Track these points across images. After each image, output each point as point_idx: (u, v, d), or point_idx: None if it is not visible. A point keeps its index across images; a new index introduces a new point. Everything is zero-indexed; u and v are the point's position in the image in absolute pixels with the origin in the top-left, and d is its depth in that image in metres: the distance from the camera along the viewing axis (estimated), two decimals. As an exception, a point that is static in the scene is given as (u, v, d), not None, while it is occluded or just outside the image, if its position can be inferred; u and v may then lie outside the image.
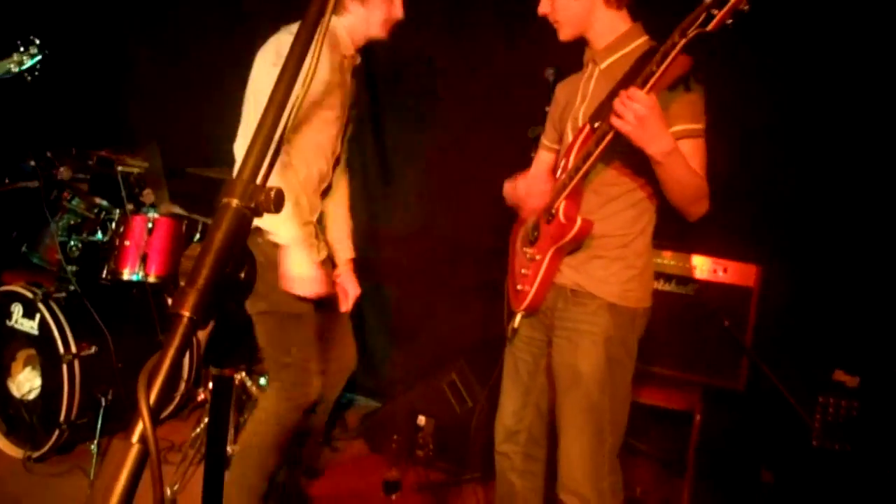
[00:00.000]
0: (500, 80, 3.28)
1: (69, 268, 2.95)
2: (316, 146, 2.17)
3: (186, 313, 0.76)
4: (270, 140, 0.90)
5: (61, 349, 2.71)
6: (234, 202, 0.84)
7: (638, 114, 1.55)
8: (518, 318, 1.98)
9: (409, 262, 3.61)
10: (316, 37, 0.95)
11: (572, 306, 1.85)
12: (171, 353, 0.74)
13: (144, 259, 2.98)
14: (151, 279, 2.99)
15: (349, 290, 2.43)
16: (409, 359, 3.59)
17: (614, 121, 1.60)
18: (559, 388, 1.88)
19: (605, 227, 1.82)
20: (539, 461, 2.09)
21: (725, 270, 2.67)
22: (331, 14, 0.97)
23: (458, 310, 3.45)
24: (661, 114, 1.58)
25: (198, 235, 3.16)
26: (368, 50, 2.30)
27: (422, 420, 2.92)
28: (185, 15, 3.96)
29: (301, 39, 0.93)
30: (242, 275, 0.86)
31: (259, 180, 0.87)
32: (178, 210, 3.21)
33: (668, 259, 2.71)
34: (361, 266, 3.75)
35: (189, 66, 3.90)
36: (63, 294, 2.90)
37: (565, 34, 1.86)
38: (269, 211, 0.85)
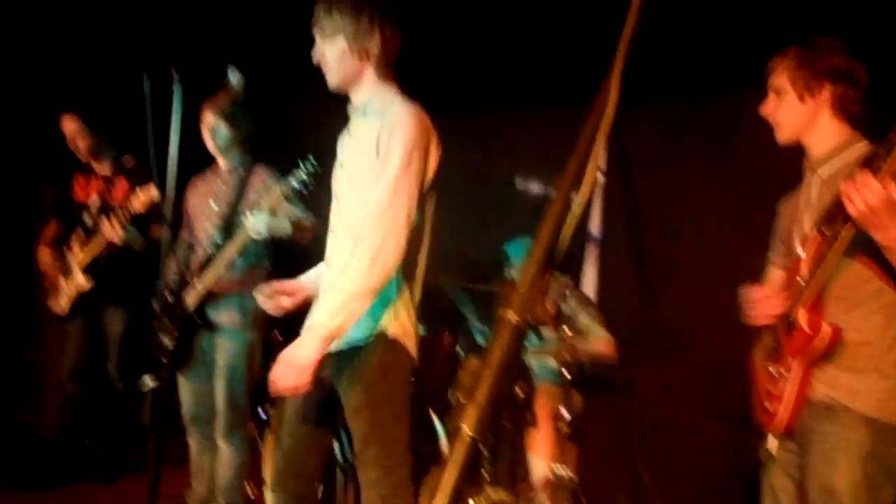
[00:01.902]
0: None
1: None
2: None
3: (468, 430, 0.74)
4: (550, 250, 0.88)
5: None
6: (513, 316, 0.83)
7: (868, 202, 1.48)
8: (772, 441, 1.83)
9: (674, 380, 3.40)
10: (595, 142, 0.93)
11: (825, 421, 1.72)
12: (452, 470, 0.72)
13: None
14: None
15: None
16: (670, 480, 3.32)
17: (847, 203, 1.53)
18: None
19: (852, 336, 1.69)
20: None
21: None
22: (611, 120, 0.96)
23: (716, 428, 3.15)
24: (893, 206, 1.48)
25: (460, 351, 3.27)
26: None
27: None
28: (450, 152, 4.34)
29: (581, 146, 0.93)
30: (518, 390, 0.82)
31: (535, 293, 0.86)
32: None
33: None
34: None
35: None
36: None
37: (784, 137, 1.88)
38: (546, 324, 0.82)
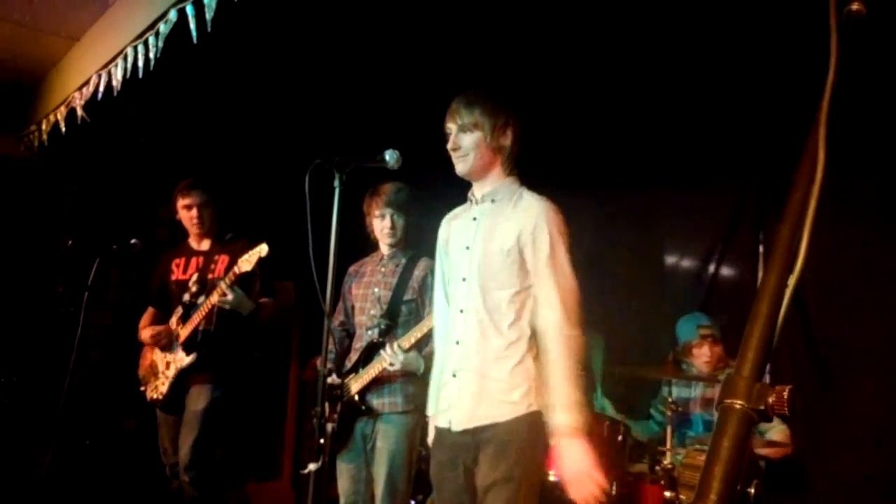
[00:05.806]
0: None
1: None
2: None
3: (703, 533, 0.67)
4: (770, 333, 0.81)
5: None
6: (739, 404, 0.75)
7: None
8: None
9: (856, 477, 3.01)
10: (808, 211, 0.86)
11: None
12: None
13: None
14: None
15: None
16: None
17: None
18: None
19: None
20: None
21: None
22: (817, 199, 0.89)
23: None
24: None
25: (619, 437, 3.08)
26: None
27: None
28: (600, 227, 4.24)
29: (791, 217, 0.86)
30: (752, 490, 0.74)
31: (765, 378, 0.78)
32: (609, 409, 3.23)
33: None
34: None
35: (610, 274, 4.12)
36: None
37: None
38: (782, 414, 0.74)
